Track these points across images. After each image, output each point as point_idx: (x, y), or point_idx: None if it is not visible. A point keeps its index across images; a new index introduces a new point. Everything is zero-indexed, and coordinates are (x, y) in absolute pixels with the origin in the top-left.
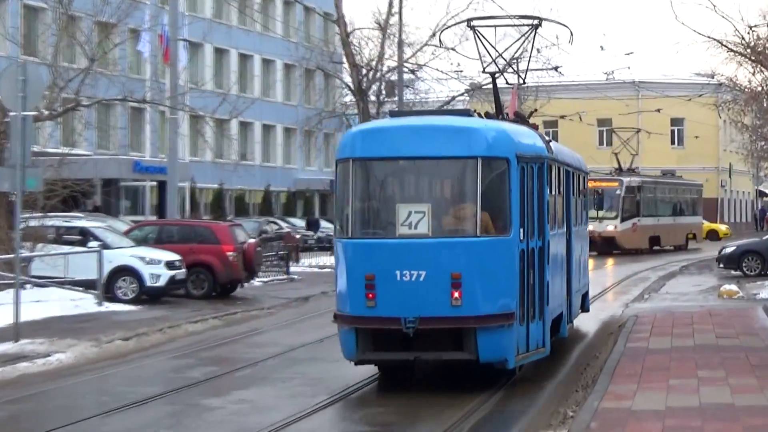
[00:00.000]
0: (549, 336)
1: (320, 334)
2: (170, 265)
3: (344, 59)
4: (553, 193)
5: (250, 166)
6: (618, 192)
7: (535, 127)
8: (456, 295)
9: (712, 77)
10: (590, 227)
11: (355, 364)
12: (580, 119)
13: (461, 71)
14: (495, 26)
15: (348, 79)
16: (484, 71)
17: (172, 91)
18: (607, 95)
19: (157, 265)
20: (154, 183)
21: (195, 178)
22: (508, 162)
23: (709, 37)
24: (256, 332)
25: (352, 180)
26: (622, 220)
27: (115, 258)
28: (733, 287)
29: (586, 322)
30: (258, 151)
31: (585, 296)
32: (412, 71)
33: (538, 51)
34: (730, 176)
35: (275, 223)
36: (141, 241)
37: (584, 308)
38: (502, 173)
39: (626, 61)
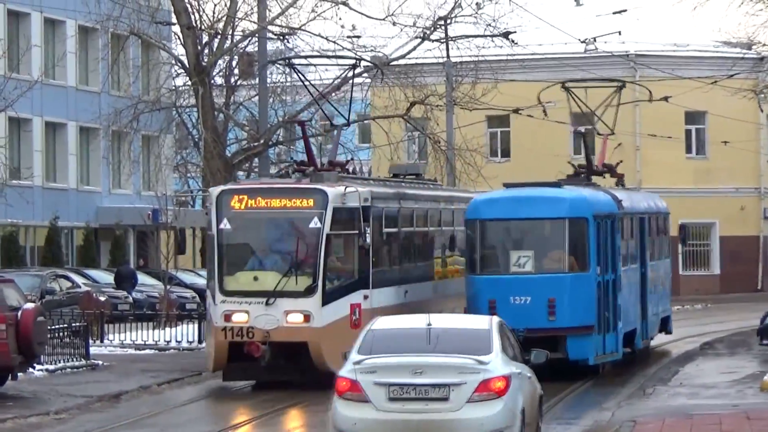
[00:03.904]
0: (621, 344)
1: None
2: None
3: (174, 19)
4: (625, 237)
5: (26, 189)
6: (314, 224)
7: (621, 176)
8: (551, 313)
9: (749, 48)
10: (242, 318)
11: None
12: (545, 114)
13: (358, 37)
14: None
15: (180, 51)
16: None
17: None
18: (587, 75)
19: None
20: None
21: None
22: (587, 220)
23: None
24: None
25: (479, 234)
26: (326, 298)
27: None
28: None
29: (562, 429)
30: (39, 165)
31: (666, 320)
32: (281, 38)
33: (478, 6)
34: None
35: (66, 277)
36: None
37: (667, 330)
38: (582, 228)
39: (615, 24)
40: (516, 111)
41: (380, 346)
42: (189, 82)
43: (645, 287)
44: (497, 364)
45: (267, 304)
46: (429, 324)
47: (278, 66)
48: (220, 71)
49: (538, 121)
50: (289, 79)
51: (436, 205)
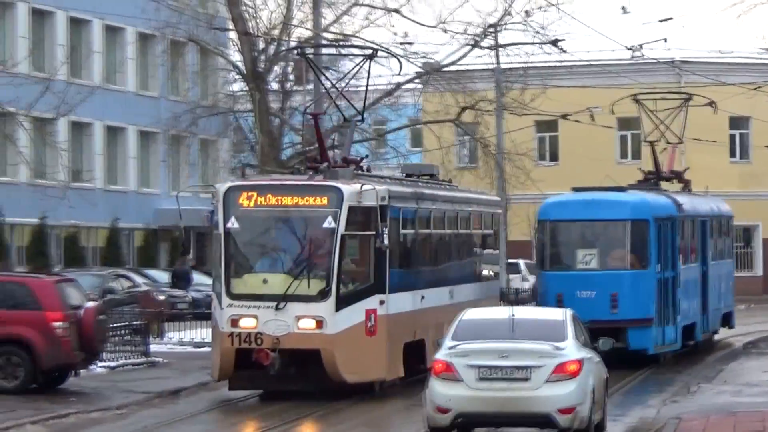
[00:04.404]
0: (681, 336)
1: (271, 424)
2: None
3: (230, 26)
4: (685, 238)
5: (88, 191)
6: (328, 224)
7: (687, 182)
8: (614, 306)
9: None
10: (250, 324)
11: None
12: (592, 118)
13: (410, 44)
14: None
15: (237, 57)
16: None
17: None
18: (633, 82)
19: None
20: None
21: (3, 209)
22: (647, 222)
23: None
24: None
25: (548, 233)
26: (340, 303)
27: None
28: None
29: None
30: (100, 168)
31: (728, 315)
32: (335, 44)
33: (527, 14)
34: None
35: (126, 277)
36: None
37: (730, 325)
38: (643, 229)
39: (661, 31)
40: (564, 116)
41: (470, 333)
42: (246, 88)
43: (706, 284)
44: (571, 349)
45: (277, 308)
46: (512, 315)
47: (333, 71)
48: (275, 77)
49: (585, 126)
50: (343, 83)
51: (453, 207)
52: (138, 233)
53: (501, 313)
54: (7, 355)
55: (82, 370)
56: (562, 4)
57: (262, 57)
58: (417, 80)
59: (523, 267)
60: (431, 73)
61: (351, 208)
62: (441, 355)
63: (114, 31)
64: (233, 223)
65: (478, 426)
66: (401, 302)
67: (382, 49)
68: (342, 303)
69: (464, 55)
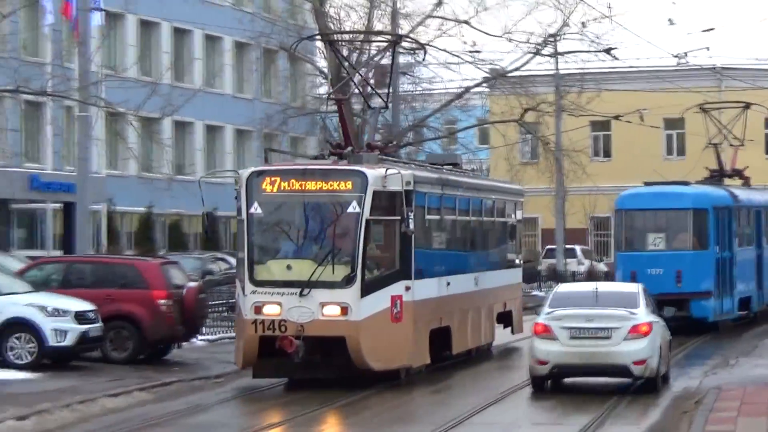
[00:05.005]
0: (737, 307)
1: (294, 412)
2: (81, 317)
3: (318, 36)
4: (741, 225)
5: (190, 183)
6: (353, 209)
7: (747, 179)
8: (679, 281)
9: None
10: (274, 311)
11: None
12: (641, 119)
13: (478, 52)
14: None
15: (323, 63)
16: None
17: (83, 80)
18: (678, 86)
19: (63, 317)
20: (58, 205)
21: (114, 198)
22: (707, 211)
23: None
24: (200, 410)
25: (624, 220)
26: (365, 289)
27: (5, 308)
28: None
29: (654, 397)
30: (200, 162)
31: None
32: (411, 52)
33: (584, 25)
34: None
35: (224, 260)
36: (41, 285)
37: None
38: (703, 216)
39: (704, 40)
40: (616, 117)
41: (563, 302)
42: (330, 91)
43: (761, 264)
44: (643, 314)
45: (301, 295)
46: (596, 288)
47: (409, 76)
48: (358, 81)
49: (635, 126)
50: (418, 87)
51: (478, 194)
52: (234, 221)
53: (587, 287)
54: (118, 330)
55: (184, 343)
56: (614, 16)
57: (346, 64)
58: (484, 84)
59: (579, 252)
60: (497, 78)
61: (376, 193)
62: (540, 319)
63: (213, 40)
64: (256, 209)
65: (569, 376)
66: (427, 288)
67: (404, 37)
68: (367, 289)
69: (527, 62)
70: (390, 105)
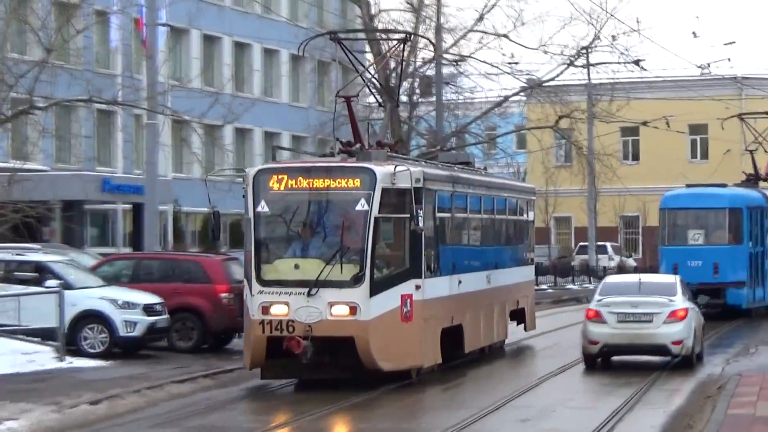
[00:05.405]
0: None
1: (350, 395)
2: (149, 309)
3: (368, 49)
4: None
5: None
6: (361, 206)
7: None
8: (716, 272)
9: None
10: (282, 311)
11: None
12: (668, 125)
13: (516, 63)
14: None
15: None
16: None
17: (151, 90)
18: (701, 95)
19: (132, 309)
20: (128, 206)
21: (179, 199)
22: (741, 210)
23: None
24: (259, 395)
25: (667, 218)
26: (374, 288)
27: (80, 301)
28: None
29: (679, 383)
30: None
31: None
32: (454, 64)
33: (614, 38)
34: None
35: None
36: (112, 280)
37: None
38: (738, 215)
39: (726, 52)
40: (644, 123)
41: (611, 291)
42: (379, 100)
43: None
44: (680, 301)
45: (309, 295)
46: (640, 279)
47: (452, 86)
48: (404, 91)
49: (662, 131)
50: (460, 96)
51: (489, 192)
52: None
53: (632, 278)
54: (183, 321)
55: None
56: (642, 29)
57: (393, 74)
58: (522, 93)
59: (609, 249)
60: (534, 88)
61: (384, 190)
62: (592, 305)
63: (271, 53)
64: (263, 207)
65: (616, 354)
66: (438, 287)
67: (414, 34)
68: (376, 288)
69: (561, 73)
70: (399, 104)
